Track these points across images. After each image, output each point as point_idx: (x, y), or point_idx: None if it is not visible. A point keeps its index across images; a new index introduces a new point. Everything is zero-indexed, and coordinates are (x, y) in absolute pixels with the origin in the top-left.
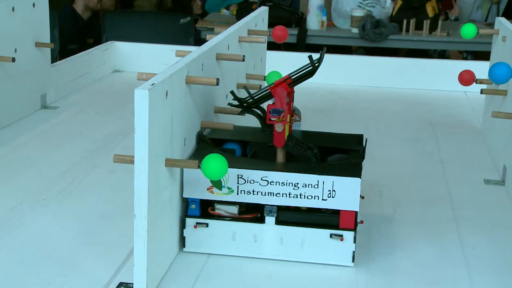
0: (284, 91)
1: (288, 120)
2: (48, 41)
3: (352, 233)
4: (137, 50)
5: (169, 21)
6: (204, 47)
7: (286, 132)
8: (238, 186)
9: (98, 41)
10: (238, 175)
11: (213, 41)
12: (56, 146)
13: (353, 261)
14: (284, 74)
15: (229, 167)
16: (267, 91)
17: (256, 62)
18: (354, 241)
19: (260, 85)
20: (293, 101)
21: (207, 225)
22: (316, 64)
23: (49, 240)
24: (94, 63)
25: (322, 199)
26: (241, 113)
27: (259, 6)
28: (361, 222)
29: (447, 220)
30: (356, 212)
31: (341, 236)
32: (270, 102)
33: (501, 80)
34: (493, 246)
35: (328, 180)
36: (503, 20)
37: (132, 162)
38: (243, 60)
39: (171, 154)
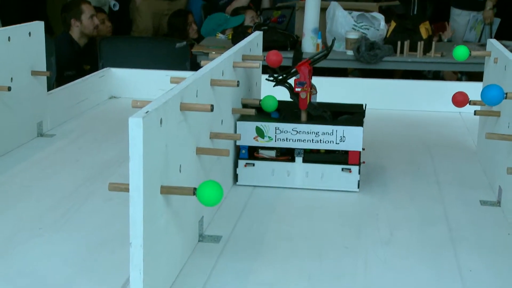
0: (306, 68)
1: (309, 90)
2: (44, 69)
3: (357, 167)
4: (133, 76)
5: (165, 46)
6: (199, 73)
7: (307, 99)
8: (275, 136)
9: (94, 67)
10: (275, 127)
11: (207, 67)
12: (52, 174)
13: (358, 187)
14: (280, 97)
15: (268, 123)
16: (294, 70)
17: (251, 86)
18: (359, 173)
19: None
20: (311, 78)
21: (253, 164)
22: (329, 50)
23: (45, 269)
24: (90, 90)
25: (336, 143)
26: (275, 86)
27: (254, 30)
28: (363, 162)
29: (444, 242)
30: (360, 152)
31: (350, 169)
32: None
33: (493, 102)
34: (490, 269)
35: (340, 129)
36: (494, 42)
37: (127, 190)
38: (238, 85)
39: (166, 181)
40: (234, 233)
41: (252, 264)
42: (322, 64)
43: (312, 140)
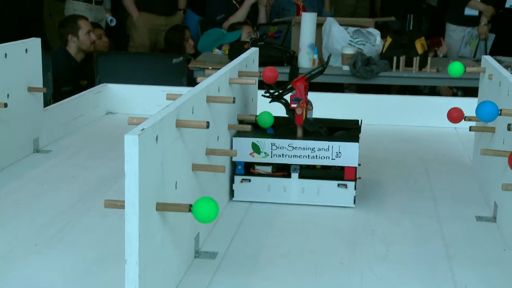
0: (302, 84)
1: (305, 106)
2: (41, 85)
3: (353, 183)
4: (129, 92)
5: (162, 62)
6: (195, 90)
7: (303, 115)
8: (272, 151)
9: (91, 83)
10: (271, 143)
11: (203, 84)
12: (48, 190)
13: (354, 203)
14: (276, 113)
15: (264, 139)
16: (290, 86)
17: (247, 102)
18: (355, 188)
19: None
20: (307, 94)
21: (249, 180)
22: (324, 66)
23: (42, 286)
24: (86, 105)
25: (332, 159)
26: (271, 102)
27: (251, 46)
28: (359, 178)
29: (439, 257)
30: (355, 168)
31: (346, 185)
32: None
33: (487, 118)
34: (486, 284)
35: (336, 145)
36: (489, 58)
37: (123, 207)
38: (234, 102)
39: (162, 198)
40: (230, 249)
41: (248, 280)
42: (318, 79)
43: (308, 156)
